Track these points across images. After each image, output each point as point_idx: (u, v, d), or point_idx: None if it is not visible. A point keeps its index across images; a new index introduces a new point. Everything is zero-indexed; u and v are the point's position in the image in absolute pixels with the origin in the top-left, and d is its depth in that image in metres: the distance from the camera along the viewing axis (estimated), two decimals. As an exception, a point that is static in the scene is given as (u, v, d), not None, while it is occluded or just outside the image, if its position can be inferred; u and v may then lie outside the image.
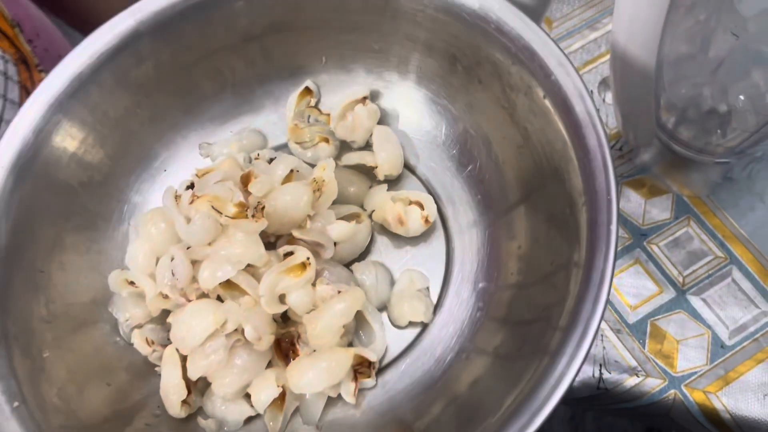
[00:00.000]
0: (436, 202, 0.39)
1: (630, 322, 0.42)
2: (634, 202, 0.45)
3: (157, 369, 0.37)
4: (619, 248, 0.44)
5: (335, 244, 0.37)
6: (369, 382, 0.35)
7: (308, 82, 0.42)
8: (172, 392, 0.34)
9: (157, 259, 0.37)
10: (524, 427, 0.26)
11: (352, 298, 0.35)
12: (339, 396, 0.35)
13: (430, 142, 0.41)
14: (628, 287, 0.43)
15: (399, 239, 0.40)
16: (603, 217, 0.29)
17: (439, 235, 0.39)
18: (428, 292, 0.38)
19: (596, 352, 0.41)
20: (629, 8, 0.31)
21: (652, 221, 0.45)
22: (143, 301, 0.37)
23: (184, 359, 0.35)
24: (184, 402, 0.35)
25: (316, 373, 0.34)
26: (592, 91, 0.49)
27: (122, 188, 0.40)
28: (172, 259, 0.36)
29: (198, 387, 0.36)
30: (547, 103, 0.33)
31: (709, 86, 0.39)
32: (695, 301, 0.42)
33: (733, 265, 0.43)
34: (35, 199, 0.36)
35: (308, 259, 0.35)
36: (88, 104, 0.38)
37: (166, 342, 0.37)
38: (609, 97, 0.49)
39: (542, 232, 0.34)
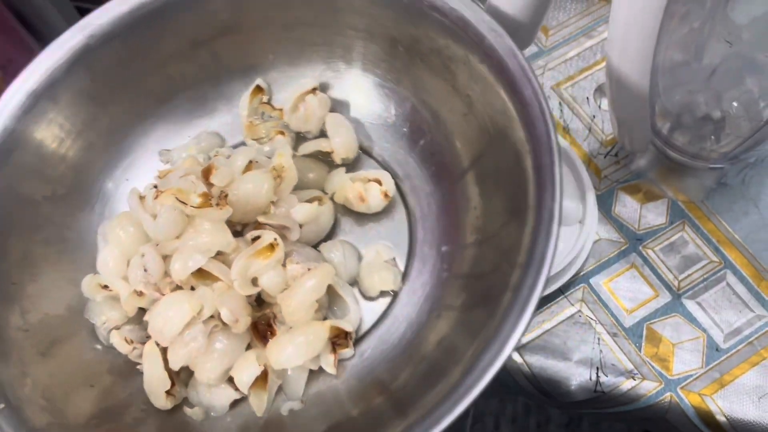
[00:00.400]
0: (393, 179, 0.41)
1: (626, 326, 0.43)
2: (629, 207, 0.46)
3: (138, 367, 0.37)
4: (614, 253, 0.45)
5: (300, 226, 0.38)
6: (347, 352, 0.37)
7: (258, 81, 0.44)
8: (155, 384, 0.35)
9: (128, 262, 0.38)
10: (498, 351, 0.28)
11: (322, 273, 0.36)
12: (319, 370, 0.36)
13: (382, 124, 0.43)
14: (624, 291, 0.44)
15: (362, 218, 0.41)
16: (546, 159, 0.31)
17: (399, 210, 0.41)
18: (395, 262, 0.39)
19: (593, 355, 0.42)
20: (624, 16, 0.32)
21: (647, 226, 0.45)
22: (118, 304, 0.38)
23: (164, 353, 0.36)
24: (168, 393, 0.35)
25: (295, 348, 0.35)
26: (588, 98, 0.50)
27: (86, 199, 0.41)
28: (143, 257, 0.36)
29: (181, 378, 0.37)
30: (484, 67, 0.35)
31: (704, 93, 0.40)
32: (690, 305, 0.43)
33: (728, 270, 0.44)
34: (1, 214, 0.37)
35: (276, 239, 0.36)
36: (45, 120, 0.39)
37: (145, 340, 0.37)
38: (605, 103, 0.50)
39: (494, 189, 0.36)
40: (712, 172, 0.45)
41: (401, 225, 0.41)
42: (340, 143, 0.41)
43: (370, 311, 0.39)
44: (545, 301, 0.44)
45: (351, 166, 0.43)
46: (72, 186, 0.41)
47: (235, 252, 0.36)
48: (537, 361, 0.42)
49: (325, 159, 0.43)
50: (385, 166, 0.42)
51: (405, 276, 0.39)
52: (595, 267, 0.45)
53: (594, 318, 0.43)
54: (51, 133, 0.39)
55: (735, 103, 0.39)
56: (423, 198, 0.41)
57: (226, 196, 0.36)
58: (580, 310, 0.43)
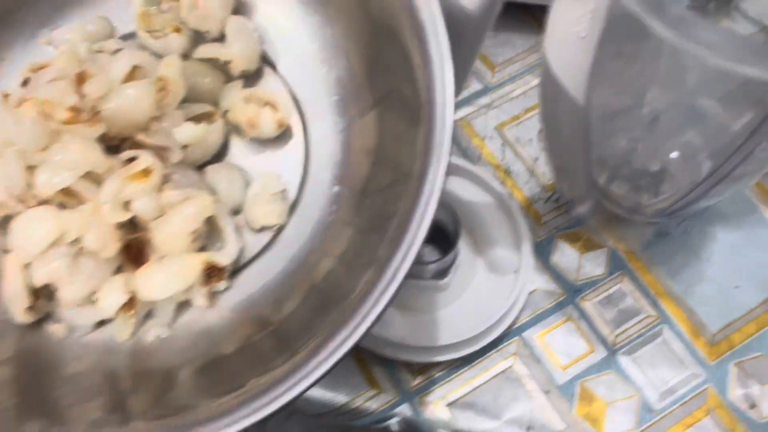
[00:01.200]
0: (295, 102, 0.38)
1: (559, 383, 0.40)
2: (569, 256, 0.43)
3: None
4: (551, 304, 0.42)
5: (184, 147, 0.35)
6: (221, 285, 0.36)
7: (156, -35, 0.39)
8: (14, 299, 0.34)
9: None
10: (406, 252, 0.27)
11: (200, 203, 0.34)
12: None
13: (291, 37, 0.39)
14: (559, 345, 0.41)
15: (256, 141, 0.39)
16: (434, 50, 0.30)
17: (297, 135, 0.38)
18: (284, 194, 0.37)
19: (524, 413, 0.40)
20: (557, 57, 0.30)
21: (586, 276, 0.43)
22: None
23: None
24: (30, 308, 0.34)
25: (165, 278, 0.34)
26: (531, 139, 0.47)
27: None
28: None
29: (47, 290, 0.35)
30: None
31: (642, 142, 0.37)
32: (625, 362, 0.41)
33: (665, 324, 0.41)
34: None
35: (153, 164, 0.34)
36: None
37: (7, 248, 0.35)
38: (548, 144, 0.47)
39: (395, 105, 0.34)
40: (651, 225, 0.43)
41: (297, 150, 0.38)
42: (239, 53, 0.38)
43: (254, 241, 0.37)
44: (476, 356, 0.41)
45: (250, 78, 0.39)
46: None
47: (108, 172, 0.34)
48: (465, 420, 0.40)
49: (223, 67, 0.39)
50: (288, 85, 0.39)
51: (295, 206, 0.37)
52: (530, 319, 0.42)
53: (527, 373, 0.41)
54: None
55: (674, 154, 0.37)
56: (326, 124, 0.38)
57: (99, 112, 0.33)
58: (512, 366, 0.41)
